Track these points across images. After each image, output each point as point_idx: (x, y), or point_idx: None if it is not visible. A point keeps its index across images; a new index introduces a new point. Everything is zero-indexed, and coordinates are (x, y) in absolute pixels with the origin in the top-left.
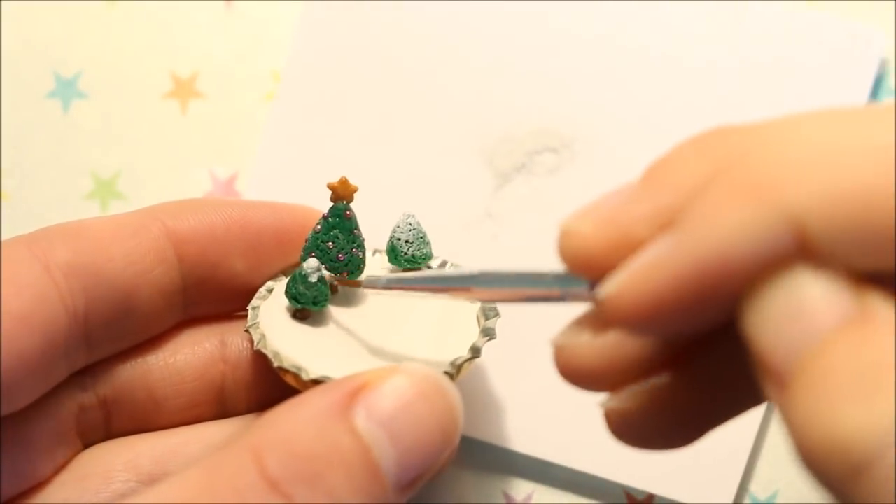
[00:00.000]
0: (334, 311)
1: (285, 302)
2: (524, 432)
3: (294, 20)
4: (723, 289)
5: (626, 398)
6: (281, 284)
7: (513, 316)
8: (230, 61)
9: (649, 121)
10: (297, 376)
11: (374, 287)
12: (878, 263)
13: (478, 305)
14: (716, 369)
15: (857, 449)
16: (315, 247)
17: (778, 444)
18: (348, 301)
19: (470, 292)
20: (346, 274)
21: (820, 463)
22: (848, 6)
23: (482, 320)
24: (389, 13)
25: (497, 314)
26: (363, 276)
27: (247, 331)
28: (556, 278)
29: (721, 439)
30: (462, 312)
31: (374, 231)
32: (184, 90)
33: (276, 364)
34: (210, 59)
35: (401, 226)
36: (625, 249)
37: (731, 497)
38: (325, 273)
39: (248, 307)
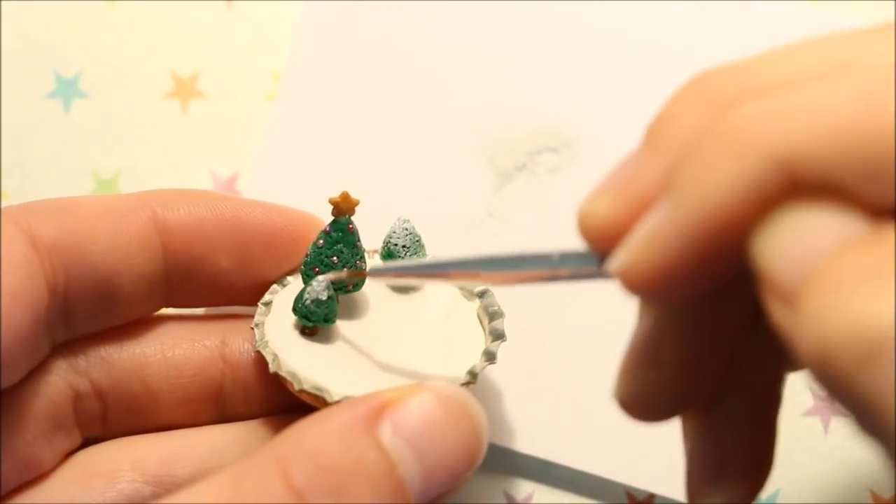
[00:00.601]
0: (339, 323)
1: (289, 317)
2: (525, 432)
3: (294, 20)
4: (725, 240)
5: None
6: (279, 298)
7: (514, 315)
8: (231, 61)
9: (649, 116)
10: (317, 397)
11: (380, 276)
12: (876, 195)
13: (477, 304)
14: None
15: (870, 332)
16: (319, 261)
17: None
18: (350, 312)
19: (478, 277)
20: (350, 287)
21: (832, 357)
22: (849, 6)
23: (485, 321)
24: (390, 13)
25: (502, 314)
26: (369, 267)
27: (257, 351)
28: (564, 257)
29: None
30: (463, 313)
31: (375, 231)
32: (184, 90)
33: (296, 388)
34: (211, 59)
35: (397, 231)
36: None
37: None
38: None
39: (252, 325)
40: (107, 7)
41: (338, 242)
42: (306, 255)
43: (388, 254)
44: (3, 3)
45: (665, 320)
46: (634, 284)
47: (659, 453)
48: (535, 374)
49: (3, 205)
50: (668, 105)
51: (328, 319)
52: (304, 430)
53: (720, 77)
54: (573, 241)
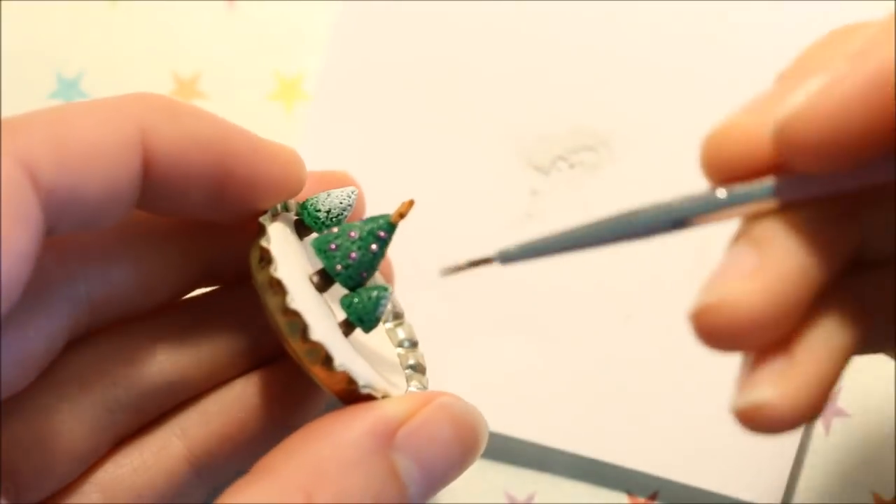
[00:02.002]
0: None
1: (291, 252)
2: (527, 419)
3: (294, 21)
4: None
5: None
6: (275, 230)
7: (514, 315)
8: (232, 61)
9: (686, 118)
10: (335, 375)
11: (513, 260)
12: None
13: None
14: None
15: None
16: (371, 266)
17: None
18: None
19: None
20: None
21: None
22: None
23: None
24: (425, 14)
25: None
26: (494, 252)
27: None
28: (690, 200)
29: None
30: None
31: (412, 233)
32: (186, 90)
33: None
34: (212, 60)
35: (333, 195)
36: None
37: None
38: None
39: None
40: (108, 7)
41: (379, 241)
42: (350, 253)
43: (310, 216)
44: (3, 3)
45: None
46: (801, 136)
47: (664, 437)
48: (539, 360)
49: None
50: (803, 51)
51: (371, 325)
52: (325, 456)
53: (858, 28)
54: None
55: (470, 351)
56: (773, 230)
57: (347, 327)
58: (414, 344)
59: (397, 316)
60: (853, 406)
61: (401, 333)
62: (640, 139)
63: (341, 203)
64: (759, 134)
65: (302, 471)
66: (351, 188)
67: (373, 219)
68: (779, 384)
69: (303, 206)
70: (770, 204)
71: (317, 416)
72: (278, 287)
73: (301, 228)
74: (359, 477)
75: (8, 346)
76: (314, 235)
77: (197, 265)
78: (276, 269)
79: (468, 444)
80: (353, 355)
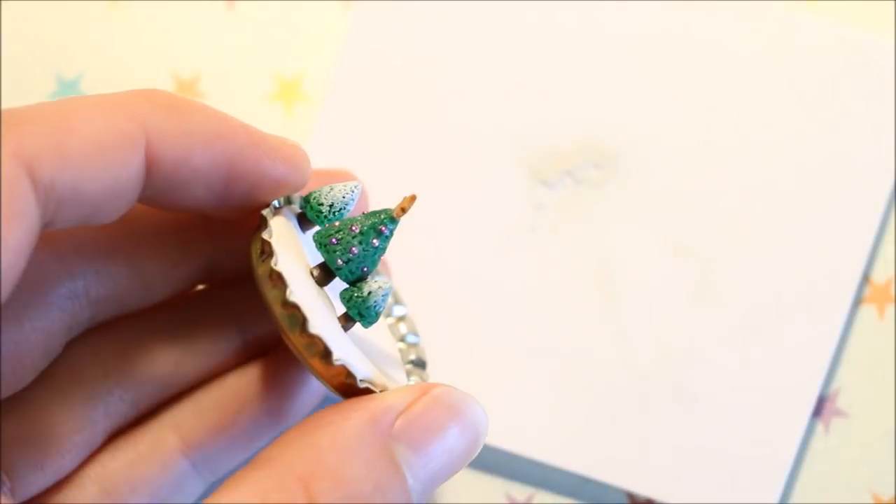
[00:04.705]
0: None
1: (292, 247)
2: (526, 434)
3: (294, 21)
4: None
5: None
6: (276, 223)
7: (515, 315)
8: (232, 62)
9: (692, 135)
10: (334, 369)
11: None
12: None
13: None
14: None
15: None
16: (372, 261)
17: (781, 444)
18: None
19: None
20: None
21: None
22: (846, 6)
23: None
24: (436, 26)
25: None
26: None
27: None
28: None
29: (721, 446)
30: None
31: (414, 243)
32: (185, 91)
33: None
34: (212, 60)
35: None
36: None
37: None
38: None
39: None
40: (108, 8)
41: (380, 236)
42: (351, 248)
43: (312, 210)
44: (3, 3)
45: None
46: None
47: (659, 457)
48: (536, 376)
49: None
50: None
51: (371, 320)
52: (323, 444)
53: None
54: (618, 256)
55: (468, 363)
56: None
57: (347, 321)
58: (415, 339)
59: (399, 311)
60: (853, 406)
61: (402, 328)
62: (646, 158)
63: (344, 197)
64: None
65: (299, 460)
66: (354, 182)
67: (375, 213)
68: None
69: (305, 199)
70: None
71: (315, 411)
72: (278, 280)
73: (303, 222)
74: (358, 465)
75: (6, 346)
76: (316, 229)
77: (196, 262)
78: (276, 262)
79: (468, 434)
80: (352, 350)
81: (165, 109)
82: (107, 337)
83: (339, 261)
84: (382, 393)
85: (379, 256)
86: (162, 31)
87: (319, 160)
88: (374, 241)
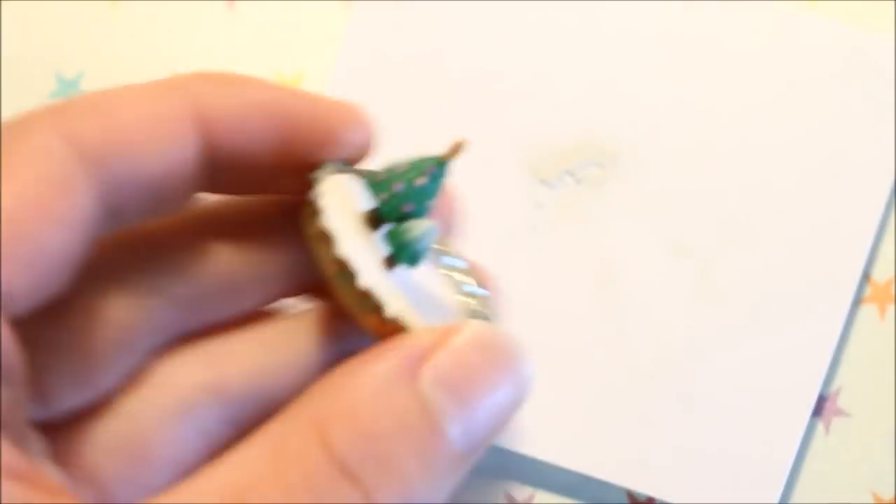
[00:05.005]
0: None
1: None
2: (525, 433)
3: (294, 21)
4: None
5: None
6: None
7: (515, 314)
8: (232, 61)
9: (692, 134)
10: (387, 323)
11: None
12: None
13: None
14: None
15: None
16: (414, 197)
17: (781, 443)
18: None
19: None
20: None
21: None
22: (846, 6)
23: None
24: (436, 25)
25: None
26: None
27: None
28: None
29: (721, 445)
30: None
31: None
32: None
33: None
34: (212, 60)
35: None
36: None
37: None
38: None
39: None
40: (108, 8)
41: (435, 182)
42: (392, 185)
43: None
44: (3, 3)
45: None
46: None
47: (659, 456)
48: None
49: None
50: None
51: (411, 257)
52: (342, 385)
53: None
54: (618, 255)
55: None
56: None
57: (390, 263)
58: (473, 289)
59: (458, 263)
60: (853, 406)
61: (459, 279)
62: (647, 157)
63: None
64: None
65: (316, 406)
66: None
67: (422, 158)
68: None
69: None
70: None
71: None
72: (327, 237)
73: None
74: (379, 409)
75: (79, 337)
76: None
77: (285, 269)
78: (324, 219)
79: (507, 372)
80: (406, 304)
81: (214, 84)
82: (198, 350)
83: (383, 196)
84: (411, 333)
85: (426, 199)
86: (162, 31)
87: None
88: (419, 180)
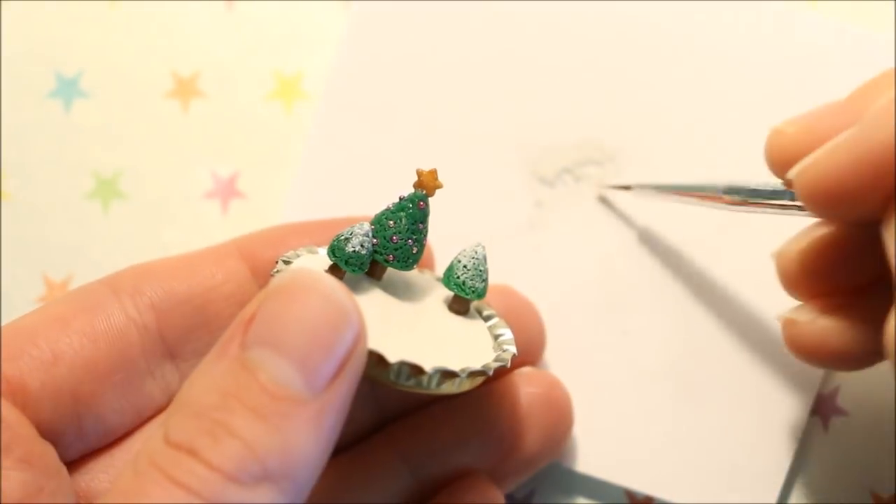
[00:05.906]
0: (367, 289)
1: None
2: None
3: (294, 21)
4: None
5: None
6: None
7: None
8: (231, 60)
9: (692, 132)
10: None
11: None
12: None
13: (490, 325)
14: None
15: None
16: (378, 220)
17: (780, 442)
18: (385, 285)
19: (720, 200)
20: (391, 257)
21: None
22: (847, 6)
23: (495, 345)
24: (434, 23)
25: (511, 345)
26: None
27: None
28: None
29: (720, 445)
30: (476, 330)
31: None
32: (185, 89)
33: None
34: (211, 59)
35: (467, 251)
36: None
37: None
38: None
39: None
40: (108, 7)
41: (402, 210)
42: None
43: (449, 268)
44: (3, 2)
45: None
46: (810, 187)
47: (658, 455)
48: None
49: (4, 204)
50: (879, 76)
51: (349, 264)
52: (180, 393)
53: None
54: (618, 254)
55: None
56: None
57: (335, 270)
58: (503, 332)
59: (487, 312)
60: (852, 405)
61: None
62: (646, 156)
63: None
64: (797, 143)
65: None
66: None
67: (403, 209)
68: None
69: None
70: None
71: None
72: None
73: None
74: (202, 389)
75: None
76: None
77: (361, 399)
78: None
79: (301, 296)
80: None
81: (257, 237)
82: None
83: (390, 257)
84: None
85: (385, 218)
86: (161, 30)
87: (317, 159)
88: (391, 203)
